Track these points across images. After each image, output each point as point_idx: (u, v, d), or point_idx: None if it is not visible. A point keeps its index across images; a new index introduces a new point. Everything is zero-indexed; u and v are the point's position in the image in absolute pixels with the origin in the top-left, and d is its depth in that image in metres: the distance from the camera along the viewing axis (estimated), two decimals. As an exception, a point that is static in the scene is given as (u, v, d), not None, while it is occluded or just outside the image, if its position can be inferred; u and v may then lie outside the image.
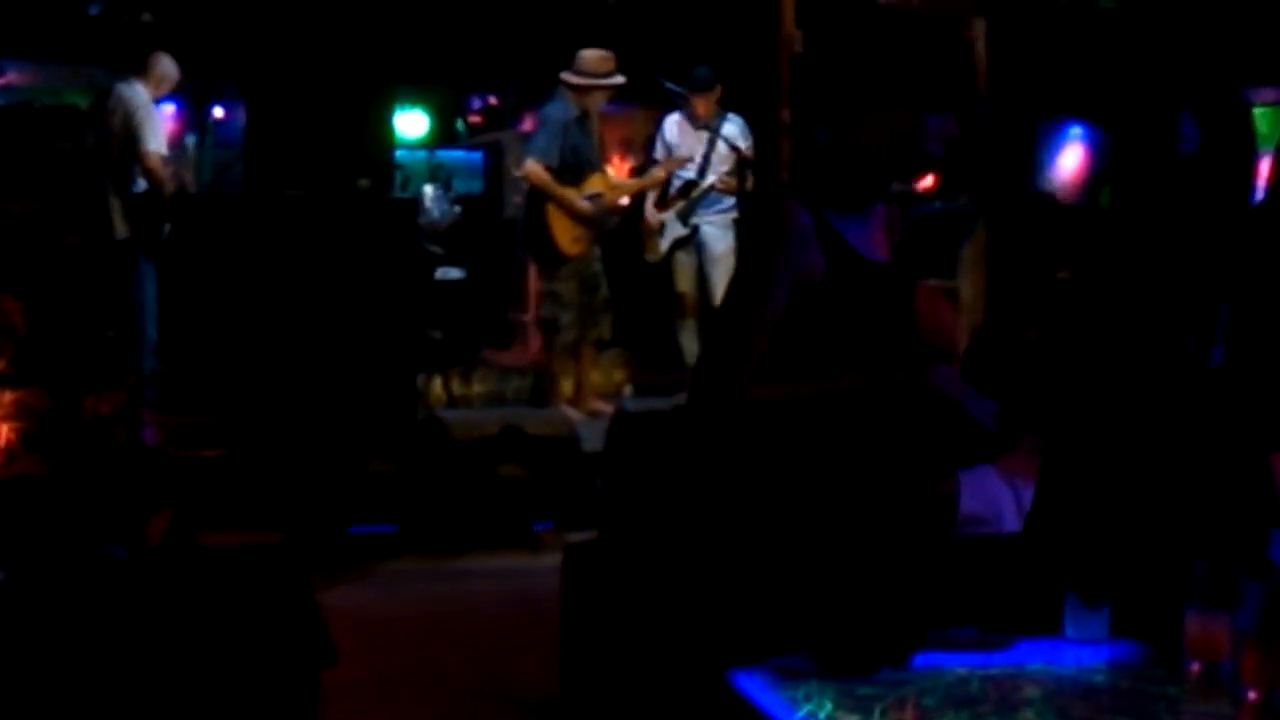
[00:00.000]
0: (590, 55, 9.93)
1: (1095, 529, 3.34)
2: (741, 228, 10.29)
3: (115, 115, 9.95)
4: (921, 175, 3.66)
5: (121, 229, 9.84)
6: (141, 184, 9.92)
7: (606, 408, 9.68)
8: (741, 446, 3.49)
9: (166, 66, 10.17)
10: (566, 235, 9.90)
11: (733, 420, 3.48)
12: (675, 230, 10.55)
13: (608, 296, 10.12)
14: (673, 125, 10.59)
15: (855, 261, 3.48)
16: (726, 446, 3.51)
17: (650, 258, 10.60)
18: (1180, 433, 3.33)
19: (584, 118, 9.98)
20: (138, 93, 9.98)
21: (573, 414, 9.58)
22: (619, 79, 9.96)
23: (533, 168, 9.89)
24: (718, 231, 10.45)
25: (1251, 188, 3.48)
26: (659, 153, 10.66)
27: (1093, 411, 3.41)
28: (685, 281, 10.57)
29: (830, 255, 3.46)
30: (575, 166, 9.90)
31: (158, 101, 10.24)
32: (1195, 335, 3.35)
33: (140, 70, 10.08)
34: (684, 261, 10.56)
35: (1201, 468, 3.33)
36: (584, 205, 9.91)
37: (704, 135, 10.46)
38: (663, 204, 10.58)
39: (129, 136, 9.87)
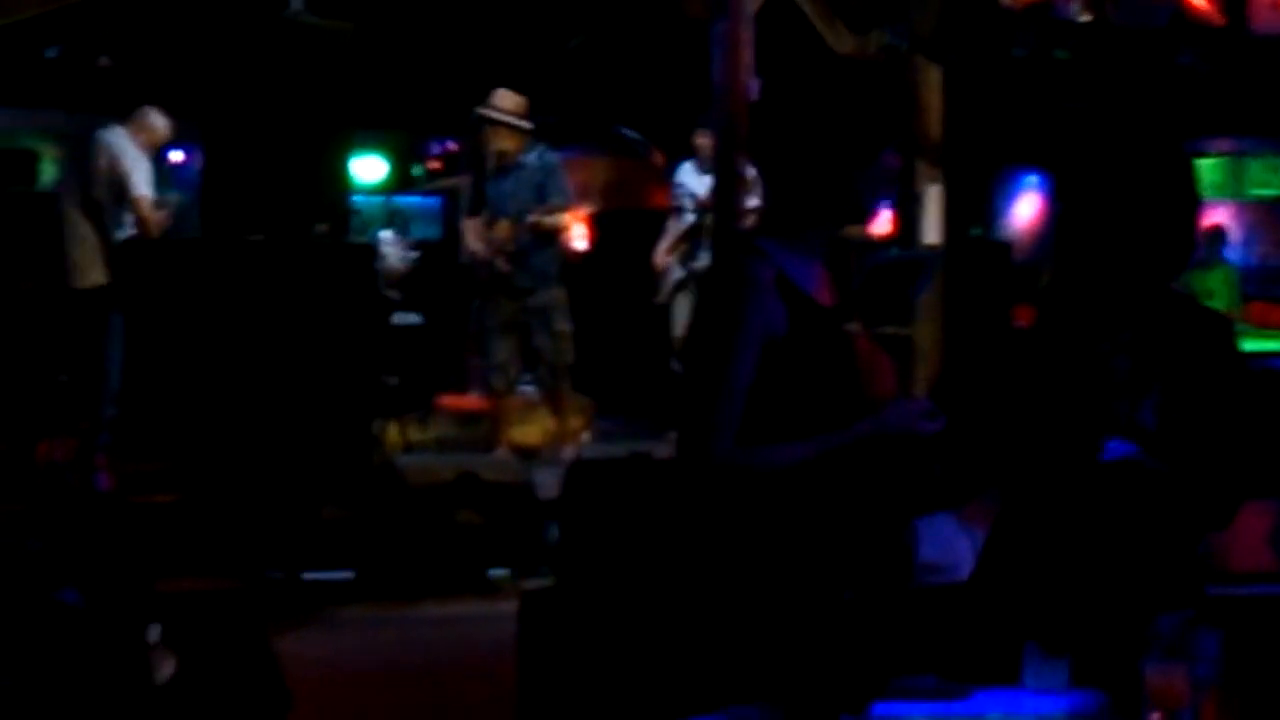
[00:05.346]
0: (500, 91, 9.74)
1: (1052, 580, 3.34)
2: (702, 282, 10.18)
3: (99, 161, 9.82)
4: (870, 216, 3.65)
5: (100, 276, 9.73)
6: (127, 230, 9.82)
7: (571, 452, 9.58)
8: (729, 508, 3.44)
9: (155, 120, 10.03)
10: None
11: (728, 488, 3.42)
12: (676, 274, 10.40)
13: (567, 348, 9.83)
14: (688, 171, 10.42)
15: (814, 310, 3.45)
16: (716, 510, 3.45)
17: (657, 300, 10.44)
18: (1112, 502, 3.34)
19: (503, 165, 9.75)
20: (120, 137, 9.87)
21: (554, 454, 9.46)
22: (514, 119, 9.66)
23: (464, 224, 9.93)
24: None
25: (1193, 241, 3.48)
26: (684, 201, 10.41)
27: (1034, 470, 3.42)
28: (684, 325, 10.28)
29: (791, 306, 3.42)
30: (493, 217, 9.75)
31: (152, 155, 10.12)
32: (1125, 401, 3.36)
33: (124, 118, 9.98)
34: (683, 305, 10.28)
35: (1141, 536, 3.35)
36: (473, 245, 9.82)
37: (708, 180, 10.28)
38: (670, 249, 10.41)
39: (114, 182, 9.76)
